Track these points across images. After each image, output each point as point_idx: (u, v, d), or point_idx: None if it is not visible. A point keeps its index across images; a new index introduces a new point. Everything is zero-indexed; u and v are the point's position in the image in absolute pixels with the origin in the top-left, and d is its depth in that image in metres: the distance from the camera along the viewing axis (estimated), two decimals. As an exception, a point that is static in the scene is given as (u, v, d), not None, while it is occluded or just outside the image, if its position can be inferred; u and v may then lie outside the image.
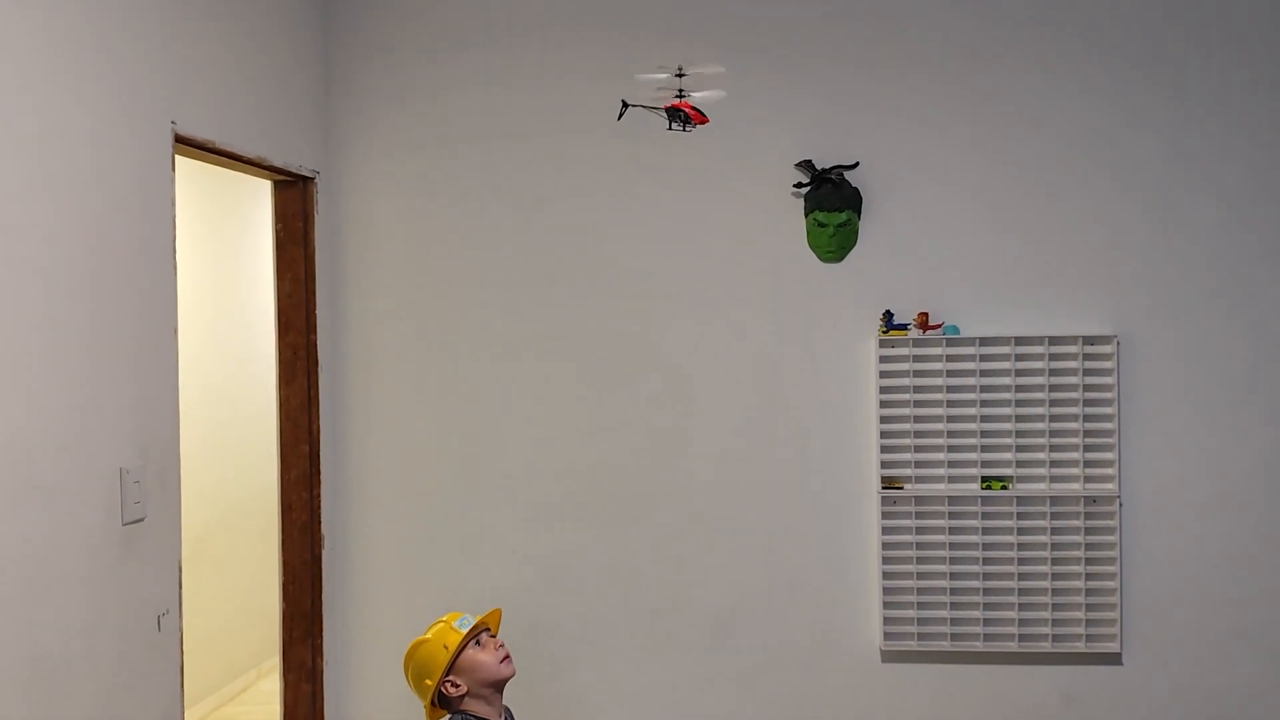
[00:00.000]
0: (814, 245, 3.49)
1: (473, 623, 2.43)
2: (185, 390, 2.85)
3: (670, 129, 3.04)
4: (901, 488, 3.47)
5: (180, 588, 2.73)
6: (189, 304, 4.18)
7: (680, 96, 3.01)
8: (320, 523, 3.53)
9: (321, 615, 3.54)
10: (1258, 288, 3.39)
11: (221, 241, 5.17)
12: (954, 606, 3.47)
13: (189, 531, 3.14)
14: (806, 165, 3.46)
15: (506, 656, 2.45)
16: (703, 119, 3.04)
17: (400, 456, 3.63)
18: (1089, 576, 3.42)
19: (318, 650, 3.54)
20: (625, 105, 3.07)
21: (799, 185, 3.48)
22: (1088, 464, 3.42)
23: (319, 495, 3.52)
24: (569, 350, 3.59)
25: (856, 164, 3.46)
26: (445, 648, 2.39)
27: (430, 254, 3.62)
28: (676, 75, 3.03)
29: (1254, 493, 3.40)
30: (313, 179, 3.50)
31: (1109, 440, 3.41)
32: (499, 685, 2.43)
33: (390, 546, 3.64)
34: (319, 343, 3.51)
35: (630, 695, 3.59)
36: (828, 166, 3.46)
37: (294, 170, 3.38)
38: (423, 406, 3.63)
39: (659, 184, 3.54)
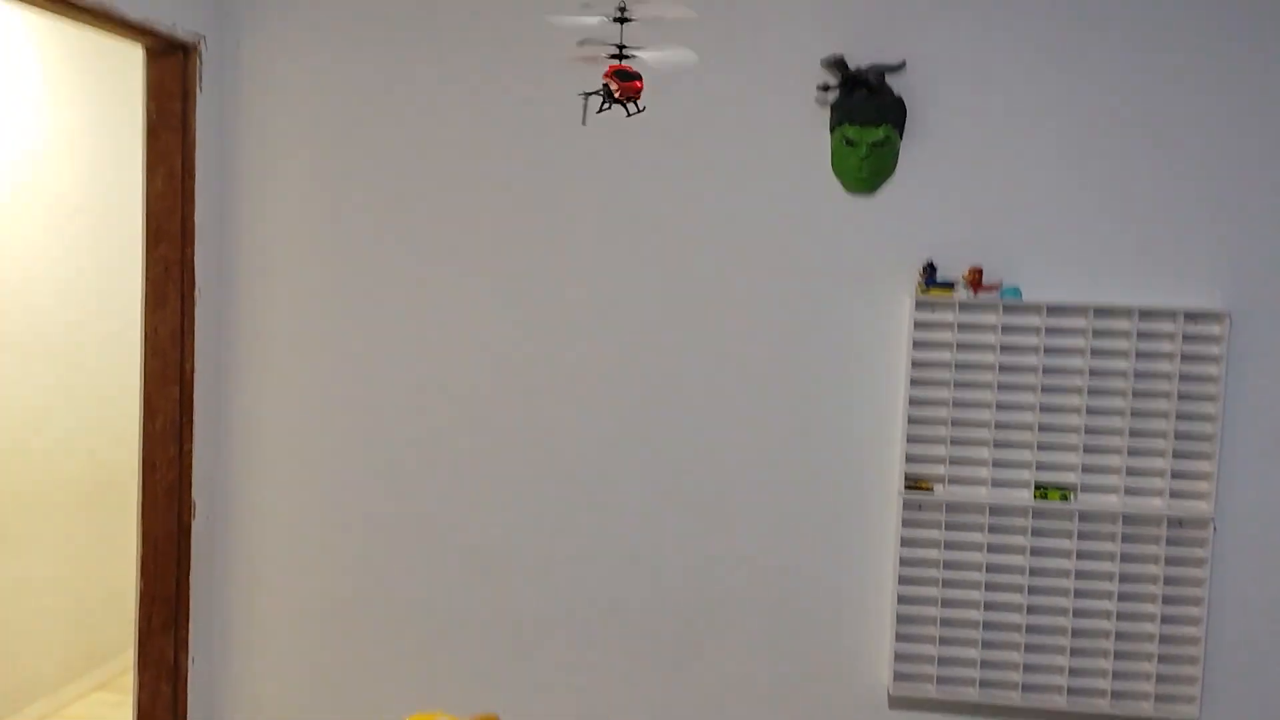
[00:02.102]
0: (839, 170, 2.68)
1: None
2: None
3: (601, 111, 1.87)
4: (931, 490, 2.69)
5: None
6: (65, 204, 3.41)
7: (620, 55, 1.78)
8: (191, 485, 2.81)
9: (188, 601, 2.83)
10: None
11: (106, 128, 3.73)
12: (987, 645, 2.70)
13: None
14: (837, 63, 2.65)
15: None
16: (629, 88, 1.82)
17: (297, 407, 2.89)
18: (1165, 620, 2.65)
19: (182, 644, 2.83)
20: (587, 99, 1.86)
21: (825, 88, 2.66)
22: (1176, 475, 2.63)
23: (190, 451, 2.79)
24: (518, 292, 2.82)
25: (902, 64, 2.64)
26: None
27: (347, 145, 2.84)
28: (616, 18, 1.79)
29: (1393, 528, 2.61)
30: (195, 46, 2.72)
31: (1208, 447, 2.62)
32: None
33: (280, 519, 2.91)
34: (197, 257, 2.76)
35: (571, 699, 2.86)
36: (864, 66, 2.64)
37: (168, 33, 2.60)
38: (329, 345, 2.87)
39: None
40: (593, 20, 1.81)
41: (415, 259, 2.83)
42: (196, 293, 2.76)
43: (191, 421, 2.78)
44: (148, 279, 2.73)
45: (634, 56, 1.86)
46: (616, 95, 1.82)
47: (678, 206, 2.75)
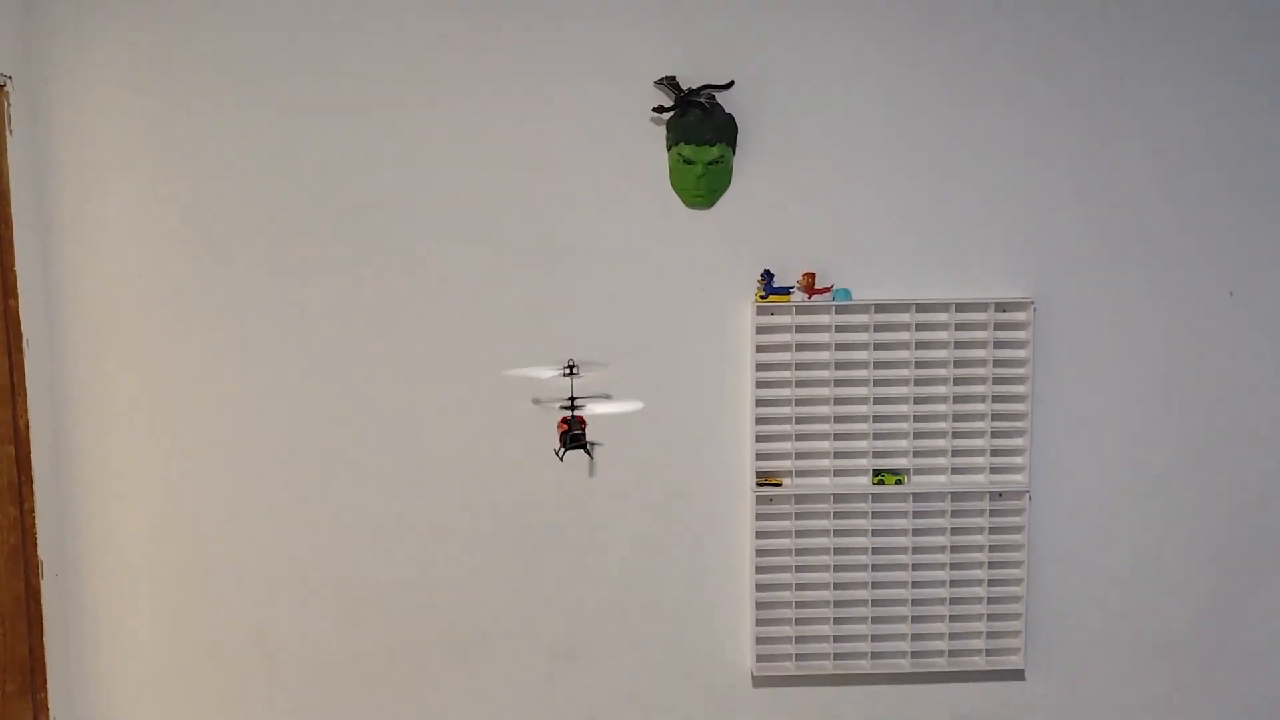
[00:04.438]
0: (679, 187, 2.78)
1: None
2: None
3: (561, 457, 2.01)
4: (780, 484, 2.87)
5: None
6: None
7: (571, 407, 1.96)
8: (36, 545, 2.69)
9: (44, 663, 2.73)
10: (1188, 250, 2.88)
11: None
12: (838, 621, 2.92)
13: None
14: (670, 83, 2.73)
15: None
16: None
17: (148, 454, 2.80)
18: (992, 583, 2.92)
19: (41, 707, 2.74)
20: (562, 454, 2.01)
21: (660, 109, 2.75)
22: (995, 453, 2.89)
23: (31, 510, 2.68)
24: (363, 316, 2.80)
25: (731, 84, 2.75)
26: None
27: (172, 175, 2.74)
28: (565, 373, 1.97)
29: (1178, 483, 2.95)
30: (1, 87, 2.56)
31: (1020, 425, 2.88)
32: None
33: (137, 569, 2.83)
34: (21, 310, 2.62)
35: (453, 731, 2.94)
36: (696, 87, 2.74)
37: (-31, 74, 2.44)
38: (176, 388, 2.79)
39: (474, 91, 2.75)
40: (545, 374, 1.98)
41: (256, 288, 2.77)
42: (25, 345, 2.63)
43: (31, 480, 2.66)
44: (-32, 335, 2.59)
45: (583, 406, 2.07)
46: (574, 434, 2.00)
47: (523, 225, 2.79)
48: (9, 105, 2.58)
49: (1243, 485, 2.95)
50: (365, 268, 2.77)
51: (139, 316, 2.75)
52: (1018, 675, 2.99)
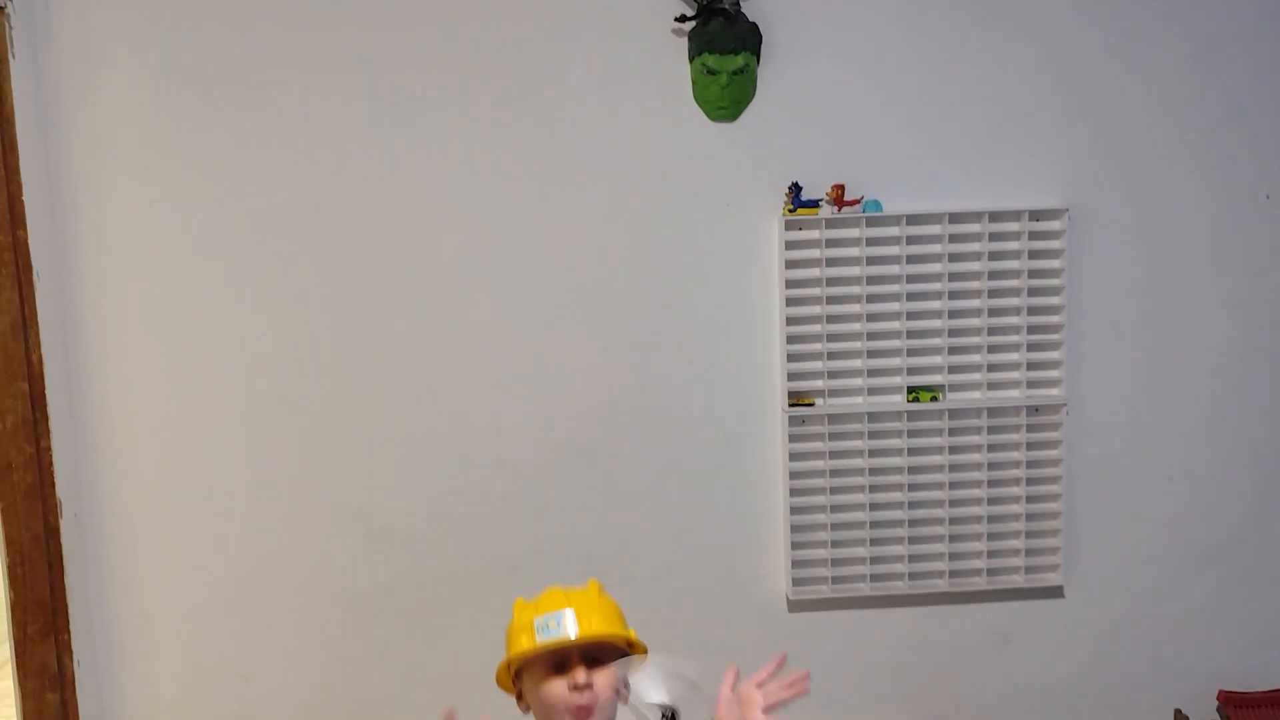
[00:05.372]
0: (702, 99, 2.70)
1: (558, 633, 1.62)
2: None
3: None
4: (813, 404, 2.81)
5: None
6: None
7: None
8: (54, 484, 2.63)
9: (66, 603, 2.67)
10: (1224, 153, 2.81)
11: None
12: (875, 543, 2.87)
13: None
14: (690, -8, 2.65)
15: (583, 707, 1.63)
16: None
17: (164, 386, 2.73)
18: (1029, 500, 2.87)
19: (65, 648, 2.68)
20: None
21: (681, 19, 2.66)
22: (1030, 366, 2.83)
23: (48, 448, 2.61)
24: (383, 241, 2.72)
25: (754, -11, 2.67)
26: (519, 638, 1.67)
27: (191, 99, 2.65)
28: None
29: (1217, 392, 2.89)
30: (3, 8, 2.47)
31: (1056, 337, 2.82)
32: None
33: (156, 507, 2.76)
34: (31, 241, 2.54)
35: (491, 660, 2.87)
36: (718, -7, 2.65)
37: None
38: (192, 318, 2.71)
39: (489, 10, 2.67)
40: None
41: (272, 225, 2.69)
42: (35, 278, 2.55)
43: (46, 417, 2.59)
44: (-24, 268, 2.51)
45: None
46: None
47: (545, 146, 2.71)
48: (10, 29, 2.48)
49: (1282, 393, 2.90)
50: (390, 192, 2.69)
51: (153, 245, 2.67)
52: (1057, 593, 2.94)
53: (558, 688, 1.63)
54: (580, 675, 1.62)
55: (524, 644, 1.63)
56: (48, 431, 2.60)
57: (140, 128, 2.64)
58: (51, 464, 2.61)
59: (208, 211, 2.68)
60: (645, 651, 1.72)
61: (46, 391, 2.59)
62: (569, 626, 1.62)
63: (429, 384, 2.77)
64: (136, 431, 2.73)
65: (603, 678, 1.65)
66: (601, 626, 1.63)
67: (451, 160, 2.70)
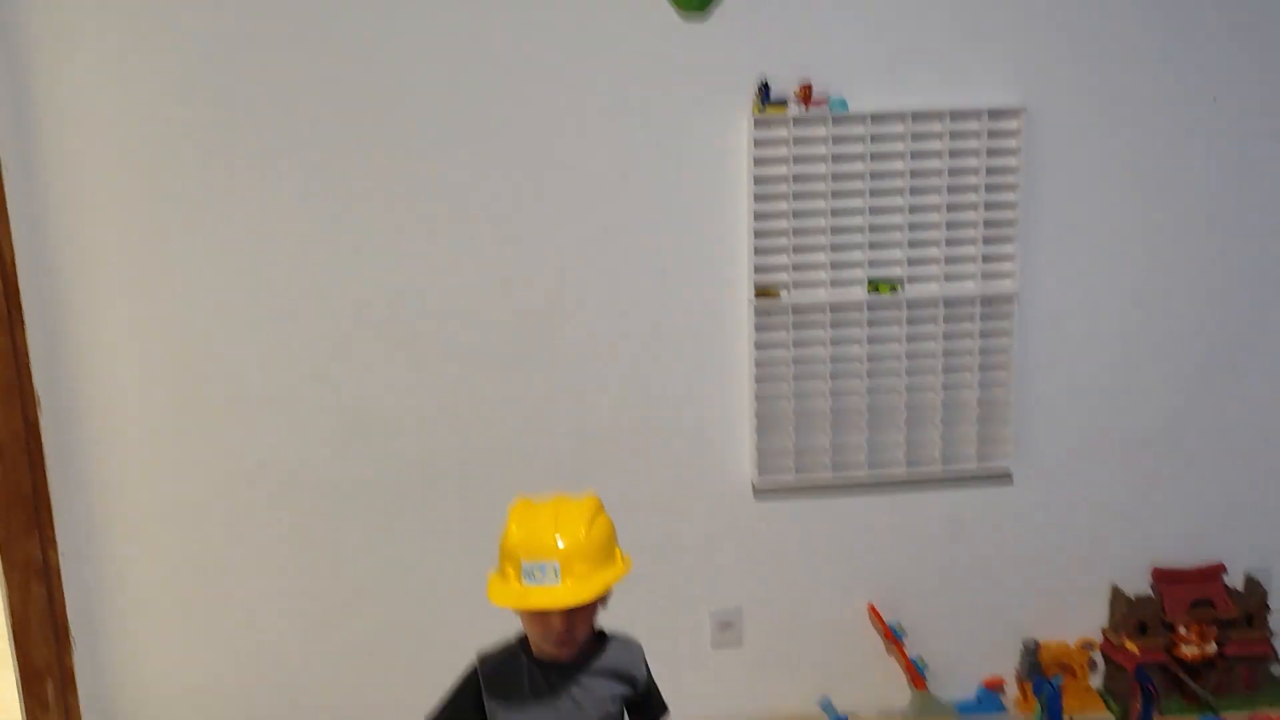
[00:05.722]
0: (672, -7, 2.74)
1: (542, 582, 1.70)
2: None
3: None
4: (778, 296, 2.90)
5: None
6: None
7: None
8: (31, 377, 2.64)
9: (49, 497, 2.71)
10: (1172, 55, 2.91)
11: None
12: (836, 430, 2.99)
13: None
14: (660, -115, 2.66)
15: (562, 640, 1.77)
16: None
17: (142, 275, 2.73)
18: (982, 386, 3.01)
19: (49, 542, 2.72)
20: None
21: (652, -88, 2.68)
22: (986, 259, 2.95)
23: (23, 341, 2.61)
24: (359, 129, 2.73)
25: (724, -116, 2.69)
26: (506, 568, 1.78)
27: (163, 28, 2.62)
28: None
29: (1162, 287, 3.04)
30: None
31: (1010, 231, 2.94)
32: None
33: (136, 400, 2.78)
34: (-4, 130, 2.51)
35: (469, 551, 2.97)
36: (688, -114, 2.67)
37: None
38: (168, 213, 2.71)
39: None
40: None
41: (248, 115, 2.69)
42: (2, 170, 2.53)
43: (20, 309, 2.59)
44: (-57, 160, 2.48)
45: None
46: None
47: (516, 43, 2.73)
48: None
49: (1225, 290, 3.05)
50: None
51: (124, 138, 2.65)
52: (1006, 479, 3.10)
53: (537, 627, 1.77)
54: (559, 629, 1.73)
55: (511, 585, 1.72)
56: (22, 324, 2.60)
57: (114, 52, 2.60)
58: (28, 358, 2.62)
59: (185, 103, 2.66)
60: (630, 566, 1.83)
61: (19, 283, 2.58)
62: (554, 585, 1.69)
63: (404, 276, 2.81)
64: (113, 328, 2.73)
65: (582, 625, 1.78)
66: (587, 594, 1.71)
67: (428, 55, 2.71)
